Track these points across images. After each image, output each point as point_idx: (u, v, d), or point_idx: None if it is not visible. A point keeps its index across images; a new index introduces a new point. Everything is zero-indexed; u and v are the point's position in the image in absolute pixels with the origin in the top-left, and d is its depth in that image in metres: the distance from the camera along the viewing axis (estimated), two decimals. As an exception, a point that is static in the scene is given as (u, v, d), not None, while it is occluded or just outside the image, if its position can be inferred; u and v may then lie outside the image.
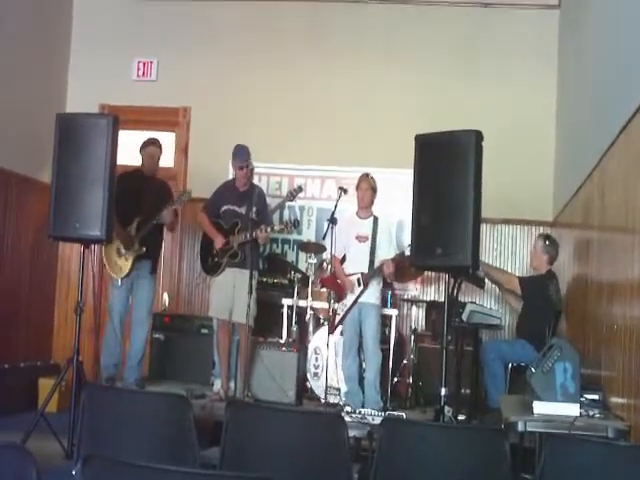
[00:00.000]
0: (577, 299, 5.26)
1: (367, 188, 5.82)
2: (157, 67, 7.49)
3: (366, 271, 5.67)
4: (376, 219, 5.82)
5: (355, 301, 5.67)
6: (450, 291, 4.64)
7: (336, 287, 5.86)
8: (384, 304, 5.97)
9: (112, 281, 5.95)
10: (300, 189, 5.99)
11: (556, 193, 6.65)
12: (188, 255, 7.29)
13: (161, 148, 6.17)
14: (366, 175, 5.89)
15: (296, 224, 5.76)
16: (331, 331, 5.83)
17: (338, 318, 5.78)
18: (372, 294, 5.70)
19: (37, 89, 6.99)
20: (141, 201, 5.90)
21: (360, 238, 5.79)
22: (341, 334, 5.84)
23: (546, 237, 5.86)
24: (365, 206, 5.85)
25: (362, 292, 5.65)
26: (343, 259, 5.86)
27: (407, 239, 5.49)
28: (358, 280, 5.68)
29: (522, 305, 5.73)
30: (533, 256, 5.91)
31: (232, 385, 5.80)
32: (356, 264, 5.75)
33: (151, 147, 6.08)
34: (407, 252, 5.46)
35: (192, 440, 2.95)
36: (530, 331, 5.37)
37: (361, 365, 5.77)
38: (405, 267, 5.79)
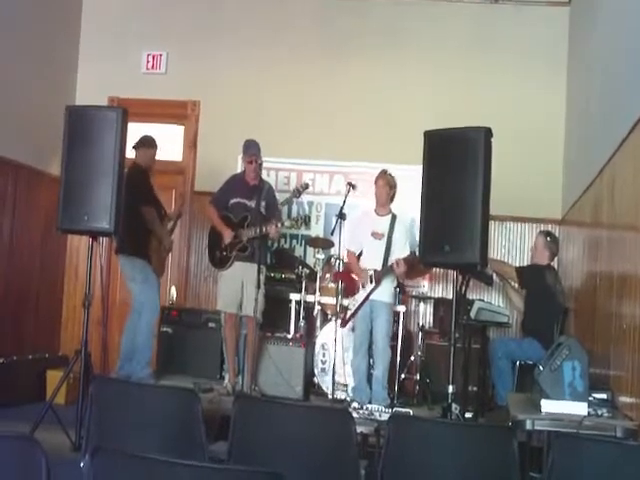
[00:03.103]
0: (586, 297, 5.24)
1: (383, 185, 5.79)
2: (166, 60, 7.49)
3: (379, 268, 5.66)
4: (394, 217, 5.79)
5: (367, 297, 5.65)
6: (458, 288, 4.63)
7: (349, 282, 5.85)
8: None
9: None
10: (307, 186, 5.95)
11: (565, 191, 6.62)
12: (196, 248, 7.30)
13: None
14: (384, 172, 5.86)
15: (307, 220, 5.76)
16: (343, 325, 5.82)
17: (349, 313, 5.77)
18: (384, 292, 5.67)
19: (46, 82, 7.00)
20: (159, 201, 6.10)
21: (376, 235, 5.76)
22: (352, 330, 5.83)
23: (547, 234, 5.96)
24: (382, 203, 5.83)
25: (374, 289, 5.64)
26: (359, 255, 5.85)
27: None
28: (370, 277, 5.67)
29: (524, 299, 5.76)
30: (534, 252, 5.95)
31: (240, 379, 5.80)
32: (370, 261, 5.74)
33: (155, 149, 6.17)
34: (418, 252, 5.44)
35: (200, 434, 2.96)
36: (536, 328, 5.39)
37: (370, 363, 5.76)
38: (414, 264, 5.77)
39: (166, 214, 6.19)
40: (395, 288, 5.94)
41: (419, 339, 6.32)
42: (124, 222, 4.82)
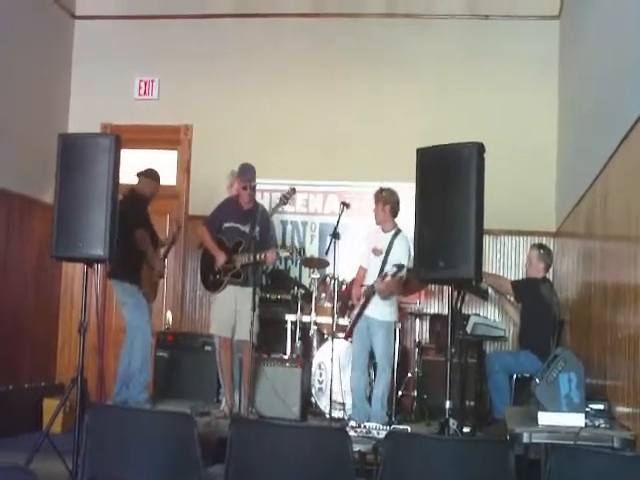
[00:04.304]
0: (581, 308, 5.25)
1: (375, 202, 5.84)
2: (158, 86, 7.54)
3: None
4: (396, 233, 5.78)
5: (359, 313, 5.67)
6: (454, 304, 4.62)
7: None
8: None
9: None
10: (293, 191, 5.88)
11: (558, 203, 6.65)
12: (191, 273, 7.29)
13: None
14: (378, 190, 5.88)
15: (301, 252, 5.81)
16: (346, 337, 5.85)
17: (348, 326, 5.83)
18: (377, 309, 5.66)
19: (39, 110, 7.03)
20: (153, 228, 6.16)
21: (376, 251, 5.78)
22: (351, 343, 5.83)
23: (540, 246, 5.97)
24: (380, 221, 5.85)
25: (363, 305, 5.65)
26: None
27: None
28: (364, 292, 5.68)
29: (520, 312, 5.77)
30: (529, 266, 5.96)
31: (237, 401, 5.77)
32: (369, 277, 5.76)
33: (157, 184, 6.25)
34: (392, 271, 5.45)
35: (196, 458, 2.95)
36: (532, 341, 5.39)
37: (369, 381, 5.75)
38: (409, 281, 5.77)
39: (159, 240, 6.21)
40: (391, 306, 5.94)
41: (416, 355, 6.32)
42: (117, 246, 4.82)
